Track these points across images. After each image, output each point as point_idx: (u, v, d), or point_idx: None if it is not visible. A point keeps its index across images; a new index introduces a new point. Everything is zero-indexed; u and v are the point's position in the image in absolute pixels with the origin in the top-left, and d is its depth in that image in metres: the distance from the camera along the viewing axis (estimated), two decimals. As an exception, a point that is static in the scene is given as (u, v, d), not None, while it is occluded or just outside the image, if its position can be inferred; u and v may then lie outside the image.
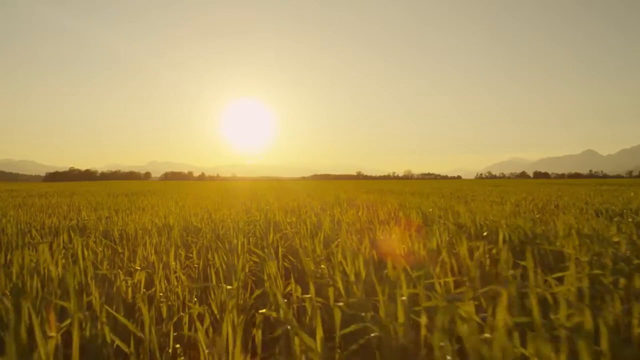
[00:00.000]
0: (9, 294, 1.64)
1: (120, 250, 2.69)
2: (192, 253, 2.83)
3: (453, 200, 7.39)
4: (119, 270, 1.98)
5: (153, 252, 2.53)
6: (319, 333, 1.16)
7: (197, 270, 2.37)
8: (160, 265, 2.18)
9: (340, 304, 1.43)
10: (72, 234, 3.47)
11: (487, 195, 10.29)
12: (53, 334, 1.13)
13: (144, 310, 1.37)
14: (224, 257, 2.67)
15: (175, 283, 1.97)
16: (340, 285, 1.65)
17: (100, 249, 2.86)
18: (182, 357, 1.42)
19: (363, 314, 1.42)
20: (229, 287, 1.67)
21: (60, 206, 7.10)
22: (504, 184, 27.59)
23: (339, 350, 1.30)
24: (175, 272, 2.29)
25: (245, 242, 3.01)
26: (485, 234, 2.90)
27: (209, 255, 2.87)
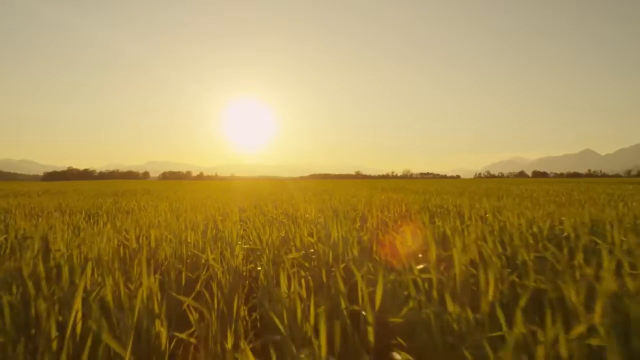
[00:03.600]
0: None
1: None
2: None
3: (524, 201, 5.68)
4: None
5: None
6: None
7: None
8: None
9: None
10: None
11: (543, 194, 8.61)
12: None
13: None
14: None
15: None
16: None
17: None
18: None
19: None
20: None
21: (11, 210, 5.35)
22: (521, 183, 25.96)
23: None
24: None
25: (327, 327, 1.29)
26: None
27: None
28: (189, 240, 2.27)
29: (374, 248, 2.10)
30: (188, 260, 2.04)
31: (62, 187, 19.65)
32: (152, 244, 2.18)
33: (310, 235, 2.30)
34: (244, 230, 3.41)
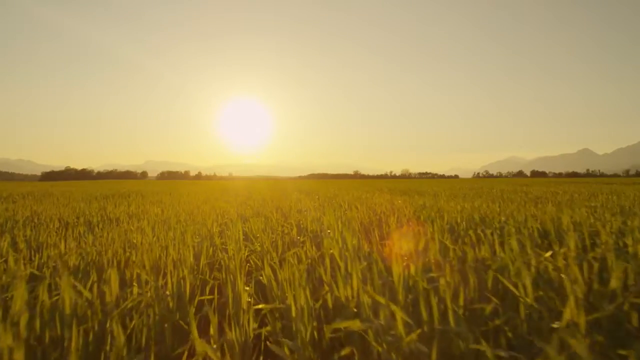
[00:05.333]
0: None
1: None
2: None
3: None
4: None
5: None
6: None
7: None
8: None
9: None
10: None
11: (576, 197, 7.81)
12: None
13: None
14: None
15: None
16: None
17: None
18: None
19: None
20: None
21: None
22: (530, 184, 25.21)
23: None
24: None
25: None
26: None
27: None
28: (169, 290, 1.46)
29: (461, 303, 1.31)
30: (166, 324, 1.25)
31: (52, 189, 18.82)
32: (112, 295, 1.37)
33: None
34: (249, 252, 2.63)
